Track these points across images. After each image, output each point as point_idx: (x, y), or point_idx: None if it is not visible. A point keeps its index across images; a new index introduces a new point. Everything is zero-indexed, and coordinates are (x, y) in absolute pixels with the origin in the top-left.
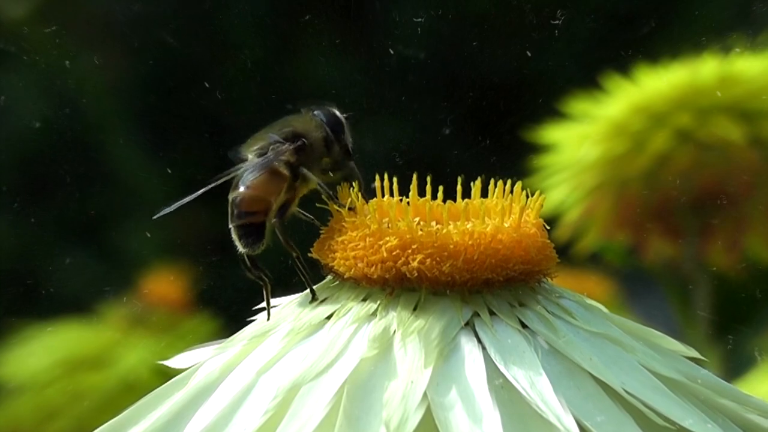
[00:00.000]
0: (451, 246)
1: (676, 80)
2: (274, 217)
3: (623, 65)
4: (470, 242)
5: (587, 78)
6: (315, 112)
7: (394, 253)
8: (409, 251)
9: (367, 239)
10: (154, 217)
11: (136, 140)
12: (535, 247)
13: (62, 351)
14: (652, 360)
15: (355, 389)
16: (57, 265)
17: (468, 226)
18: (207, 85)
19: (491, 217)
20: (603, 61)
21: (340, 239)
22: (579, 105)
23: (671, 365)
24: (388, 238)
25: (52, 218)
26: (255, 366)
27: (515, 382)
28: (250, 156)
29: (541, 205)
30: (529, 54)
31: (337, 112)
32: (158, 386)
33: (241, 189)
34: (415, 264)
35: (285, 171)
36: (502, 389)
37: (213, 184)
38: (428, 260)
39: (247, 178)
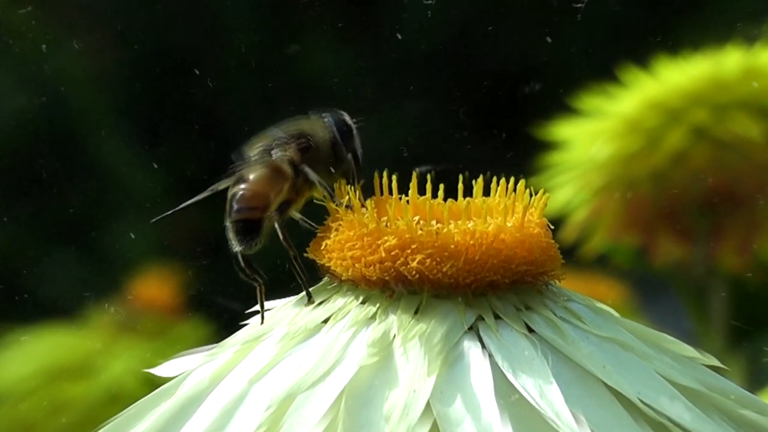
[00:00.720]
0: (452, 246)
1: (697, 73)
2: (274, 212)
3: (647, 54)
4: (471, 242)
5: (606, 69)
6: (324, 116)
7: (393, 253)
8: (409, 251)
9: (365, 239)
10: (153, 221)
11: (120, 133)
12: (538, 248)
13: (42, 359)
14: (669, 368)
15: (353, 399)
16: (37, 267)
17: (469, 226)
18: (197, 72)
19: (493, 216)
20: (625, 50)
21: (336, 239)
22: (592, 100)
23: (690, 374)
24: (386, 238)
25: (30, 217)
26: (247, 374)
27: (524, 391)
28: (253, 155)
29: (545, 204)
30: (549, 40)
31: (347, 118)
32: (145, 396)
33: (241, 185)
34: (414, 264)
35: (287, 169)
36: (510, 398)
37: (220, 187)
38: (428, 260)
39: (247, 173)
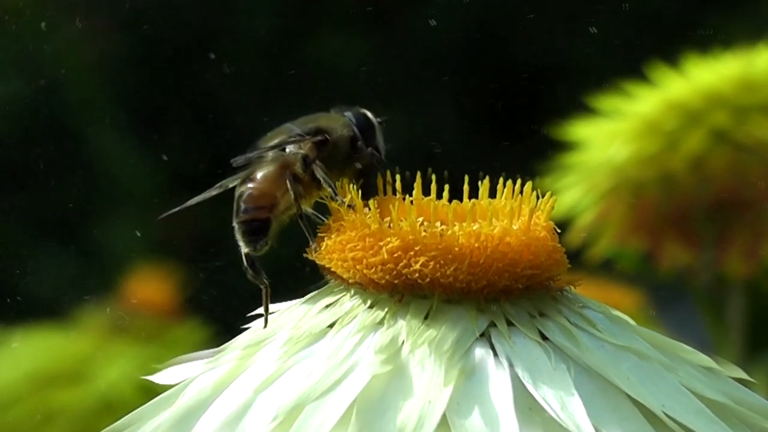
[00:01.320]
0: (456, 248)
1: (725, 73)
2: (288, 179)
3: (679, 51)
4: (476, 245)
5: (634, 66)
6: (345, 113)
7: (396, 255)
8: (412, 253)
9: (367, 239)
10: (160, 218)
11: (122, 122)
12: (544, 252)
13: (32, 363)
14: (694, 380)
15: (365, 410)
16: (27, 264)
17: (474, 228)
18: (213, 56)
19: (499, 218)
20: (656, 46)
21: (337, 239)
22: (611, 100)
23: (715, 386)
24: (389, 239)
25: (22, 211)
26: (252, 382)
27: (544, 403)
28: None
29: (552, 207)
30: (594, 30)
31: (370, 115)
32: (142, 405)
33: (248, 183)
34: (417, 267)
35: (299, 166)
36: (530, 410)
37: (230, 184)
38: (431, 263)
39: (255, 171)
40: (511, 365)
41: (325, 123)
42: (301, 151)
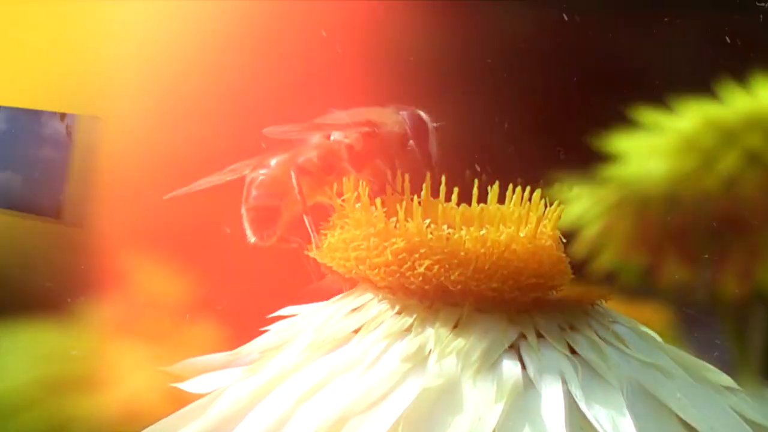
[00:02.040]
0: (462, 253)
1: None
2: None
3: (748, 67)
4: (482, 250)
5: (702, 79)
6: (400, 111)
7: (400, 256)
8: (417, 255)
9: (372, 239)
10: (166, 197)
11: (139, 108)
12: (549, 261)
13: (41, 365)
14: (743, 403)
15: (412, 425)
16: (29, 257)
17: (481, 233)
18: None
19: (506, 225)
20: (726, 61)
21: (341, 237)
22: (654, 114)
23: (763, 411)
24: (394, 240)
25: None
26: (293, 393)
27: (596, 423)
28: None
29: (560, 216)
30: (731, 36)
31: (425, 117)
32: (162, 412)
33: (261, 170)
34: (421, 270)
35: (343, 155)
36: (582, 430)
37: (244, 170)
38: (436, 267)
39: (271, 156)
40: (564, 382)
41: (377, 116)
42: (346, 140)
